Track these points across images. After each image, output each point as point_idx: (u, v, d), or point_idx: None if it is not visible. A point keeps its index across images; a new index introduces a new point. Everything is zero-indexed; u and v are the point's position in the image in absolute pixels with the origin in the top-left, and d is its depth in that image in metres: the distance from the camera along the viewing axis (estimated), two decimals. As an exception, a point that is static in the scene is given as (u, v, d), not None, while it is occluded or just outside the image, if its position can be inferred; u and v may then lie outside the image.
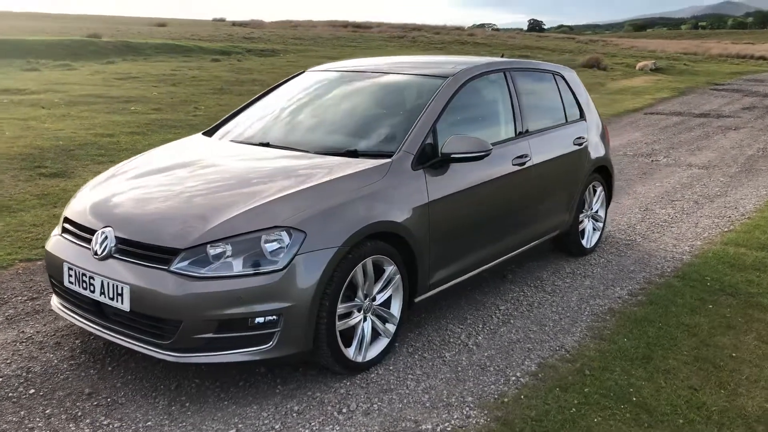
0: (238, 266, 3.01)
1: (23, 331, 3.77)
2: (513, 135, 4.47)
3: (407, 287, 3.61)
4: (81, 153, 8.17)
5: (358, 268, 3.28)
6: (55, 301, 3.61)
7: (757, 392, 3.37)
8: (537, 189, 4.61)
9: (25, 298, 4.23)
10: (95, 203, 3.50)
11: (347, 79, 4.61)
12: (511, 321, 4.12)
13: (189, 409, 3.07)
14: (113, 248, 3.18)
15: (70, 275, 3.33)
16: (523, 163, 4.41)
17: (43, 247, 4.97)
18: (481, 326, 4.02)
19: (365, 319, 3.43)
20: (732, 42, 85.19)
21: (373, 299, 3.45)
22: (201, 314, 2.96)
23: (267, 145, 4.05)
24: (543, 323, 4.09)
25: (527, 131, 4.58)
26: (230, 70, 20.19)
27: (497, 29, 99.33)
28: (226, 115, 4.72)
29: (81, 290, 3.27)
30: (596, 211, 5.58)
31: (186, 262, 3.01)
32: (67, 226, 3.54)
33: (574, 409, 3.13)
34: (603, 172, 5.56)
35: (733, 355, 3.75)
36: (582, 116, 5.37)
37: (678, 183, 8.18)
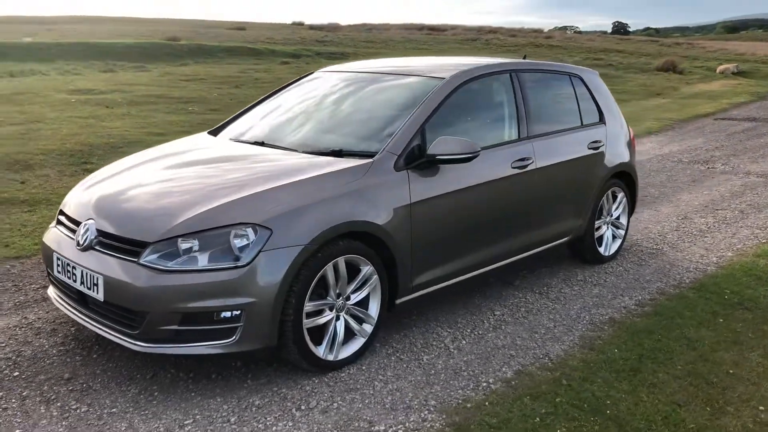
0: (203, 261, 3.08)
1: (26, 317, 3.97)
2: (515, 137, 4.38)
3: (386, 288, 3.59)
4: (129, 150, 8.46)
5: (329, 267, 3.30)
6: (51, 290, 3.78)
7: (745, 411, 3.18)
8: (541, 193, 4.50)
9: (38, 286, 4.45)
10: (83, 196, 3.66)
11: (351, 80, 4.63)
12: (503, 327, 4.04)
13: (156, 399, 3.16)
14: (94, 240, 3.31)
15: (58, 265, 3.48)
16: (525, 167, 4.31)
17: None
18: (469, 330, 3.96)
19: (338, 318, 3.43)
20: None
21: (347, 298, 3.46)
22: (165, 306, 3.04)
23: (262, 144, 4.12)
24: (535, 330, 3.99)
25: (531, 134, 4.48)
26: (295, 72, 20.53)
27: (579, 32, 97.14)
28: (233, 115, 4.82)
29: (66, 279, 3.42)
30: (617, 218, 5.38)
31: (155, 255, 3.10)
32: (60, 218, 3.71)
33: (538, 419, 3.05)
34: (625, 178, 5.37)
35: (731, 371, 3.55)
36: (601, 120, 5.20)
37: (728, 191, 7.80)
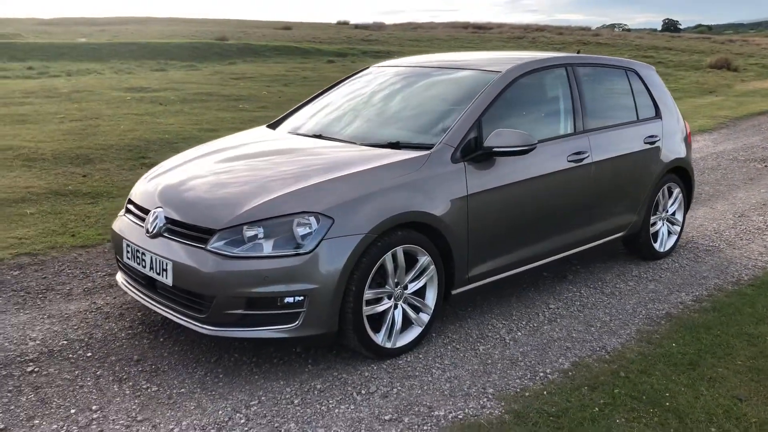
0: (268, 248, 3.18)
1: (95, 302, 4.14)
2: (571, 131, 4.39)
3: (443, 279, 3.64)
4: (183, 146, 8.70)
5: (388, 256, 3.36)
6: (119, 276, 3.94)
7: (808, 407, 3.14)
8: (597, 187, 4.49)
9: (104, 273, 4.63)
10: (151, 186, 3.80)
11: (407, 74, 4.69)
12: (558, 320, 4.05)
13: (222, 380, 3.27)
14: (162, 227, 3.44)
15: (127, 251, 3.63)
16: (581, 160, 4.32)
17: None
18: (524, 323, 3.99)
19: (396, 306, 3.50)
20: None
21: (405, 288, 3.52)
22: (232, 291, 3.15)
23: (319, 136, 4.21)
24: (590, 324, 4.00)
25: (588, 128, 4.47)
26: (342, 71, 20.70)
27: (627, 29, 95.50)
28: (291, 109, 4.93)
29: (135, 265, 3.56)
30: (672, 214, 5.33)
31: (222, 242, 3.22)
32: (129, 206, 3.85)
33: (597, 409, 3.06)
34: (681, 173, 5.31)
35: (791, 368, 3.50)
36: (657, 114, 5.15)
37: (786, 190, 7.62)
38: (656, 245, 5.17)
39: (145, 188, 3.83)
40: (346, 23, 62.93)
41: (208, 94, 13.60)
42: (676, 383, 3.31)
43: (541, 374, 3.37)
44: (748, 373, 3.44)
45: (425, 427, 2.89)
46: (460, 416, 2.97)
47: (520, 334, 3.84)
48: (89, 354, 3.50)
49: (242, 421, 2.92)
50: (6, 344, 3.56)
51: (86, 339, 3.66)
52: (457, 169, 3.67)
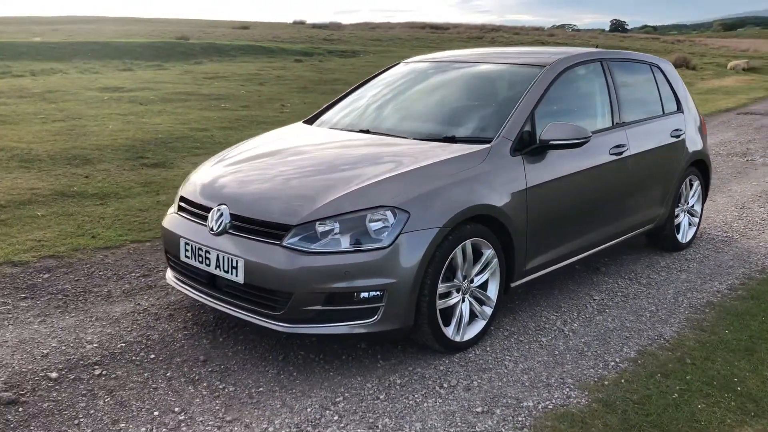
0: (345, 243, 3.14)
1: (139, 304, 4.03)
2: (610, 125, 4.46)
3: (504, 271, 3.66)
4: (179, 145, 8.57)
5: (458, 250, 3.37)
6: (170, 275, 3.85)
7: None
8: (633, 180, 4.58)
9: (138, 274, 4.51)
10: (209, 183, 3.72)
11: (442, 69, 4.71)
12: (606, 311, 4.11)
13: (297, 378, 3.22)
14: (228, 224, 3.37)
15: (186, 250, 3.54)
16: (621, 153, 4.39)
17: (151, 230, 5.31)
18: (576, 314, 4.04)
19: (463, 300, 3.50)
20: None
21: (471, 281, 3.53)
22: (310, 287, 3.11)
23: (367, 131, 4.19)
24: (639, 314, 4.07)
25: (624, 121, 4.56)
26: (312, 70, 20.63)
27: (577, 30, 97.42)
28: (324, 106, 4.88)
29: (197, 264, 3.48)
30: (692, 206, 5.46)
31: (297, 238, 3.17)
32: (183, 204, 3.76)
33: (676, 395, 3.12)
34: (700, 165, 5.45)
35: (843, 350, 3.63)
36: (679, 108, 5.28)
37: (776, 182, 7.88)
38: (679, 236, 5.29)
39: (201, 185, 3.75)
40: (302, 23, 62.52)
41: (187, 94, 13.36)
42: (740, 369, 3.40)
43: (612, 363, 3.41)
44: (802, 356, 3.55)
45: (519, 418, 2.90)
46: (549, 406, 2.99)
47: (576, 325, 3.88)
48: (152, 356, 3.41)
49: (335, 418, 2.89)
50: (64, 348, 3.45)
51: (144, 341, 3.56)
52: (515, 162, 3.70)
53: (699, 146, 5.35)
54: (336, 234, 3.17)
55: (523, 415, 2.92)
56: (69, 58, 20.59)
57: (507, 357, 3.47)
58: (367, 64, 23.55)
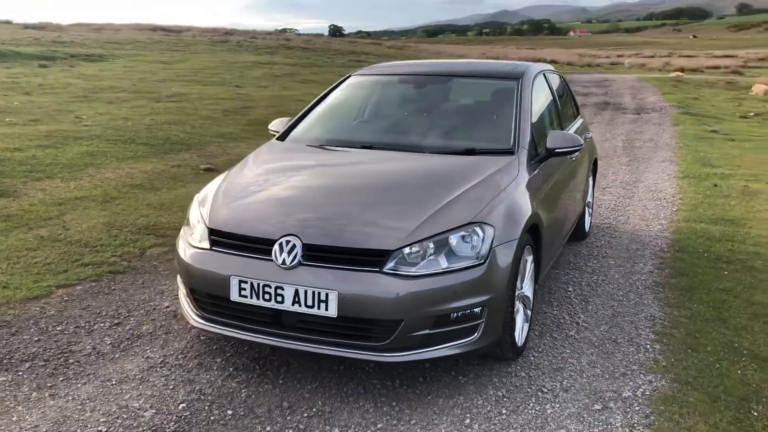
0: (444, 263, 3.10)
1: (149, 357, 3.52)
2: (558, 129, 4.88)
3: (533, 275, 3.87)
4: (6, 170, 7.34)
5: (523, 258, 3.50)
6: (197, 319, 3.41)
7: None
8: (578, 181, 5.07)
9: (107, 324, 3.92)
10: (256, 214, 3.40)
11: (414, 82, 4.75)
12: (591, 299, 4.52)
13: (401, 408, 3.10)
14: (302, 256, 3.11)
15: (242, 289, 3.18)
16: (573, 156, 4.84)
17: (66, 271, 4.60)
18: (571, 307, 4.37)
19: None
20: (516, 47, 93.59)
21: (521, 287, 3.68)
22: (421, 311, 3.03)
23: (370, 147, 4.10)
24: (617, 298, 4.54)
25: (564, 125, 5.03)
26: (77, 77, 18.68)
27: (299, 34, 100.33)
28: (291, 123, 4.61)
29: (260, 302, 3.14)
30: (589, 199, 6.17)
31: (394, 263, 3.06)
32: (219, 239, 3.35)
33: (724, 363, 3.59)
34: (594, 163, 6.18)
35: (779, 308, 4.44)
36: (579, 112, 5.93)
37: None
38: (586, 226, 5.95)
39: (247, 217, 3.39)
40: (8, 22, 55.92)
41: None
42: (727, 334, 4.01)
43: (646, 346, 3.80)
44: (756, 318, 4.28)
45: (636, 407, 3.13)
46: (647, 392, 3.27)
47: (582, 317, 4.22)
48: (229, 412, 3.05)
49: (484, 439, 2.86)
50: (121, 422, 2.90)
51: (201, 397, 3.15)
52: (534, 170, 3.92)
53: (594, 148, 6.07)
54: (432, 255, 3.11)
55: (636, 404, 3.16)
56: None
57: (561, 354, 3.68)
58: (130, 70, 21.93)
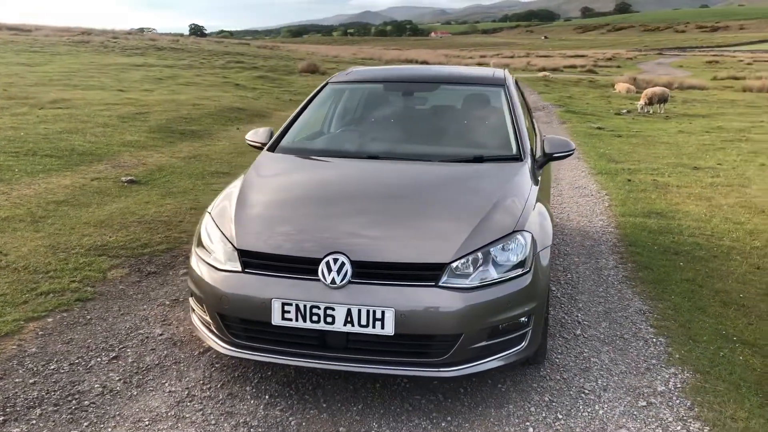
0: (493, 273, 3.09)
1: (172, 391, 3.26)
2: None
3: None
4: None
5: (550, 263, 3.56)
6: (227, 346, 3.19)
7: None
8: (548, 183, 5.21)
9: (104, 359, 3.59)
10: (293, 232, 3.23)
11: (402, 89, 4.69)
12: (578, 296, 4.67)
13: (459, 423, 3.07)
14: (351, 273, 3.00)
15: (286, 311, 3.01)
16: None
17: (25, 302, 4.19)
18: (561, 306, 4.51)
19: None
20: (384, 48, 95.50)
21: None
22: (478, 324, 3.00)
23: (376, 158, 4.02)
24: (601, 295, 4.72)
25: (535, 129, 5.17)
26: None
27: (159, 34, 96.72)
28: (279, 133, 4.40)
29: (308, 324, 2.99)
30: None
31: (447, 276, 3.01)
32: (252, 260, 3.14)
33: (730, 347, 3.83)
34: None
35: (741, 295, 4.79)
36: (531, 114, 6.12)
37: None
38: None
39: (284, 236, 3.21)
40: None
41: None
42: (724, 320, 4.29)
43: (654, 340, 3.98)
44: (722, 305, 4.60)
45: (676, 400, 3.27)
46: (678, 385, 3.42)
47: (580, 315, 4.35)
48: (289, 443, 2.86)
49: (560, 446, 2.88)
50: (187, 466, 2.65)
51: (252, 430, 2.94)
52: (539, 176, 4.00)
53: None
54: (481, 266, 3.09)
55: (674, 397, 3.30)
56: None
57: (581, 354, 3.78)
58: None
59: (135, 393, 3.23)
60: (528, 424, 3.06)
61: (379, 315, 2.93)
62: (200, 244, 3.43)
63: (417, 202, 3.47)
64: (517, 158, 3.96)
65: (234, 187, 3.74)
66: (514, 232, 3.22)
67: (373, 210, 3.41)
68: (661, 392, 3.36)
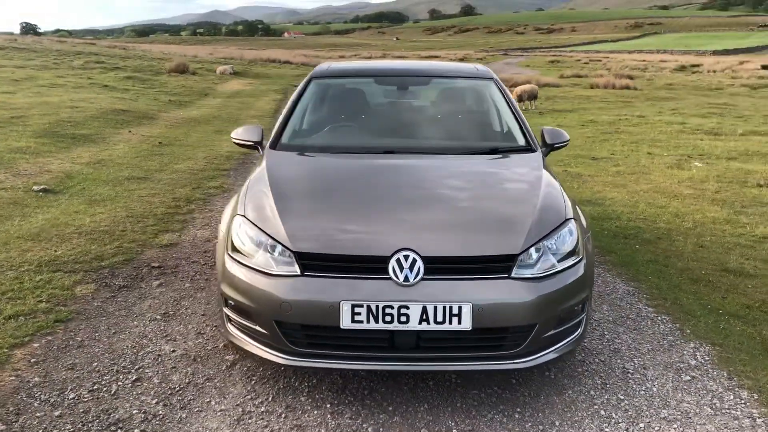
0: (555, 262, 3.11)
1: (223, 410, 2.99)
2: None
3: None
4: None
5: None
6: (287, 356, 2.98)
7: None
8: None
9: (129, 381, 3.22)
10: (356, 229, 3.08)
11: (395, 83, 4.61)
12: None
13: (531, 413, 3.07)
14: (423, 270, 2.90)
15: (356, 314, 2.86)
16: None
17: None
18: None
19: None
20: (238, 47, 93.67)
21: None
22: (550, 313, 3.01)
23: (391, 152, 3.91)
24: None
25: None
26: None
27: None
28: (277, 130, 4.15)
29: (380, 326, 2.86)
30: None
31: (516, 267, 3.00)
32: (313, 262, 2.95)
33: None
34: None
35: (703, 272, 5.15)
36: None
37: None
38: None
39: (346, 236, 3.04)
40: None
41: None
42: (699, 295, 4.58)
43: (668, 326, 4.18)
44: (693, 282, 4.93)
45: (713, 373, 3.44)
46: (707, 357, 3.61)
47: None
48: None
49: (640, 425, 2.95)
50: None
51: (335, 442, 2.77)
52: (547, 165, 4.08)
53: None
54: (543, 255, 3.10)
55: (711, 370, 3.48)
56: None
57: (603, 337, 3.89)
58: None
59: (184, 416, 2.94)
60: (596, 407, 3.11)
61: (456, 311, 2.86)
62: (234, 249, 3.18)
63: (465, 194, 3.42)
64: (529, 149, 4.01)
65: (259, 187, 3.47)
66: (566, 220, 3.26)
67: (425, 204, 3.32)
68: (696, 366, 3.53)
